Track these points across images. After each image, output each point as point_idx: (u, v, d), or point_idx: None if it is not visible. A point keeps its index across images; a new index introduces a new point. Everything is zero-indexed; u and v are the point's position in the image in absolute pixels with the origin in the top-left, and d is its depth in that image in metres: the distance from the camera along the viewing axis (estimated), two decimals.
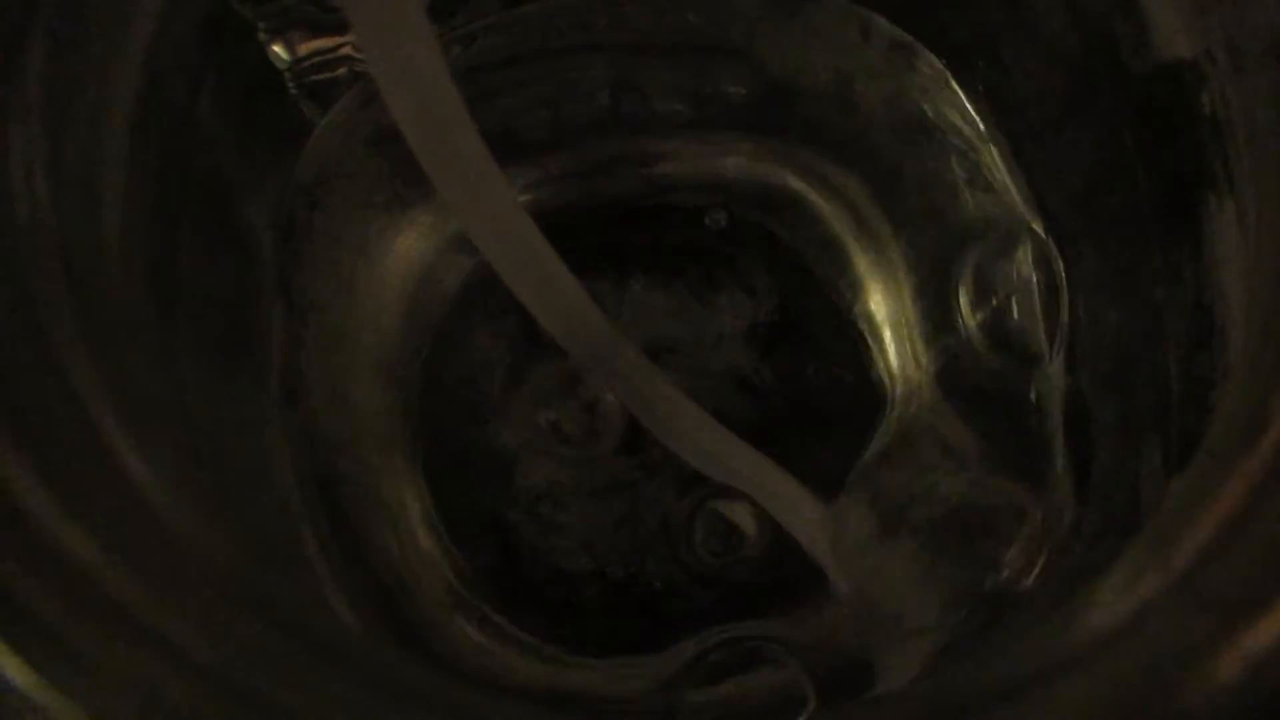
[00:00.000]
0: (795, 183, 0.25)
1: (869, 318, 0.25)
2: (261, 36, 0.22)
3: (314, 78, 0.23)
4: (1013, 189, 0.22)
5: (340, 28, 0.23)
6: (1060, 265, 0.21)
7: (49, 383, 0.10)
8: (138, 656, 0.09)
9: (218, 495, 0.14)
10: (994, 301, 0.22)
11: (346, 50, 0.23)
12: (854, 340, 0.25)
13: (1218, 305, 0.15)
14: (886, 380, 0.25)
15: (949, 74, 0.22)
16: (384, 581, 0.23)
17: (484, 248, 0.17)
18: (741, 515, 0.25)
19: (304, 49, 0.23)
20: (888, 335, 0.25)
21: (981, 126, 0.22)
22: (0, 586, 0.09)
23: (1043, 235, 0.21)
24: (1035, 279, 0.22)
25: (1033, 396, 0.21)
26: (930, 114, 0.23)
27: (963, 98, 0.22)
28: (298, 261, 0.22)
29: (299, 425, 0.22)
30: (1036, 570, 0.18)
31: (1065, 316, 0.21)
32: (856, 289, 0.25)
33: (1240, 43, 0.13)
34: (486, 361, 0.26)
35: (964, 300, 0.23)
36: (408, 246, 0.25)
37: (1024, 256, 0.22)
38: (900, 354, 0.25)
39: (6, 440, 0.09)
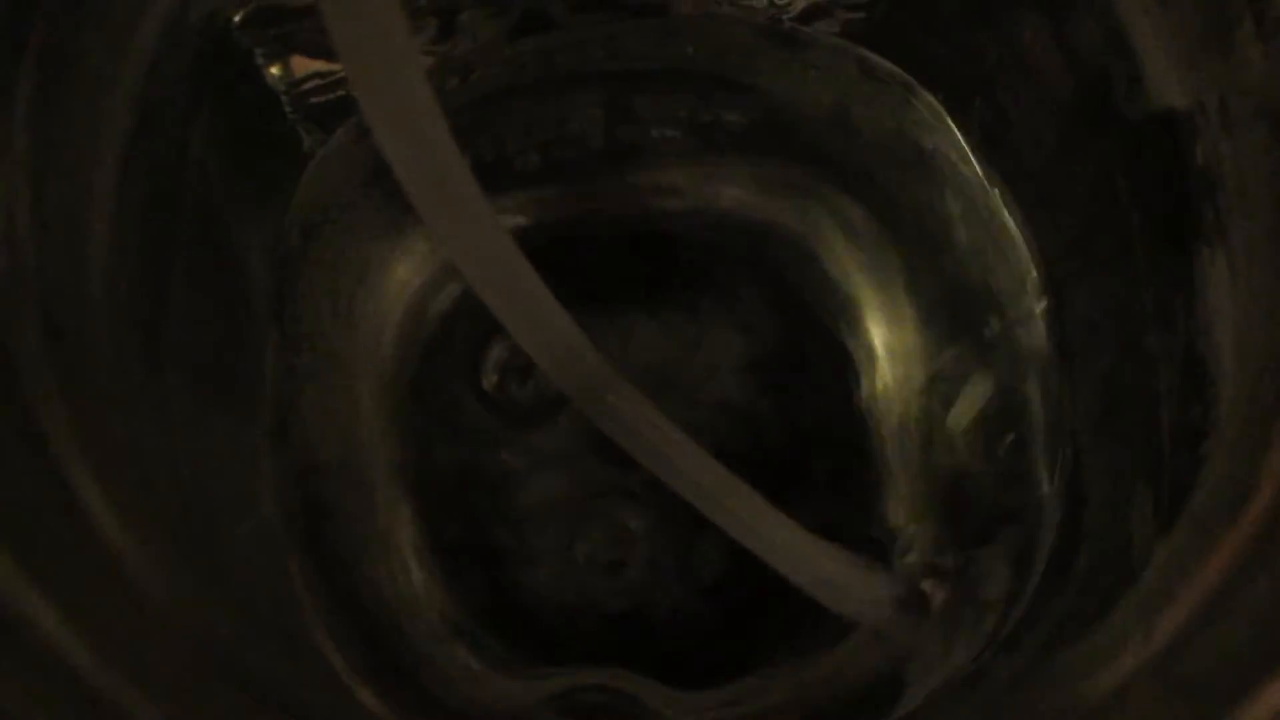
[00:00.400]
0: (794, 213, 0.25)
1: (867, 347, 0.25)
2: (259, 60, 0.22)
3: (312, 100, 0.23)
4: (1009, 227, 0.22)
5: None
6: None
7: (23, 445, 0.10)
8: None
9: (200, 550, 0.14)
10: None
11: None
12: (851, 370, 0.25)
13: (1210, 357, 0.15)
14: (883, 409, 0.25)
15: (945, 112, 0.22)
16: (372, 613, 0.23)
17: (471, 280, 0.17)
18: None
19: (302, 72, 0.23)
20: (886, 364, 0.25)
21: (977, 164, 0.22)
22: None
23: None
24: None
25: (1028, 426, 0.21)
26: (927, 148, 0.23)
27: (959, 135, 0.22)
28: (293, 291, 0.23)
29: (290, 456, 0.22)
30: None
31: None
32: (855, 318, 0.25)
33: (1230, 101, 0.13)
34: (475, 385, 0.26)
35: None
36: (405, 273, 0.26)
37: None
38: (898, 381, 0.25)
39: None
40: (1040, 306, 0.21)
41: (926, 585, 0.22)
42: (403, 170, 0.15)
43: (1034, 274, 0.21)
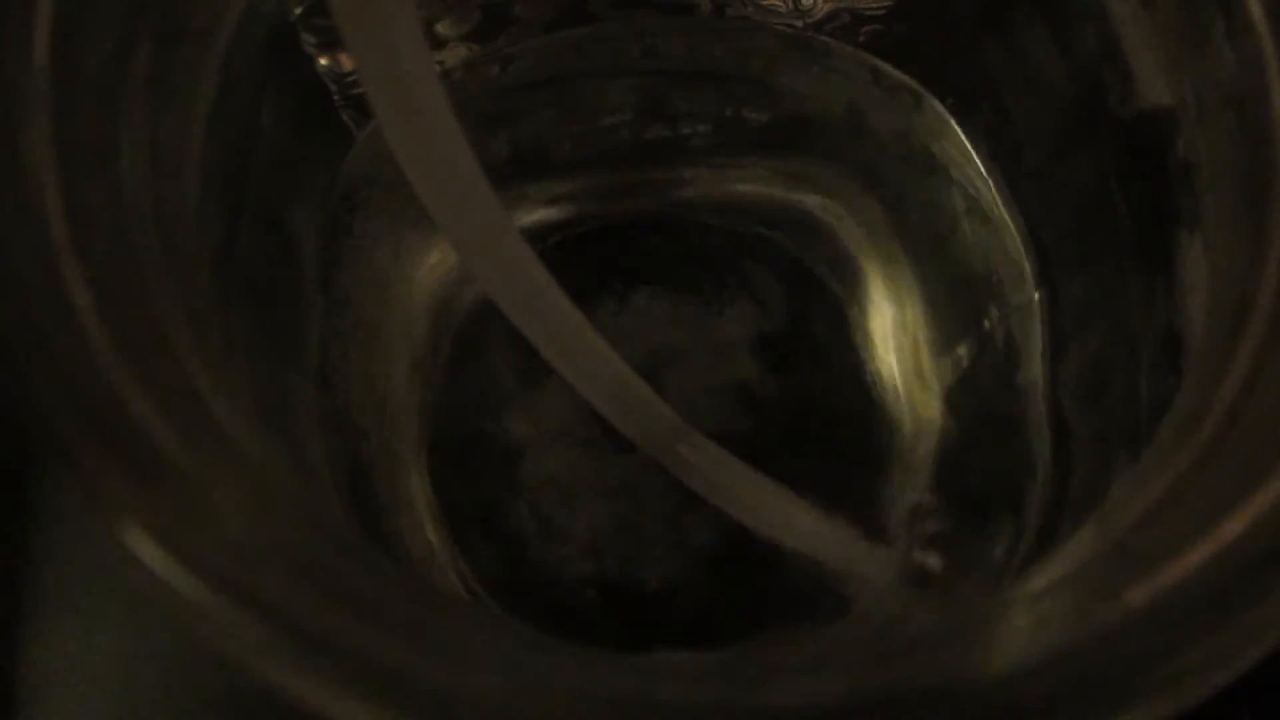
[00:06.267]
0: (810, 202, 0.27)
1: (877, 334, 0.27)
2: (310, 50, 0.24)
3: (358, 90, 0.25)
4: (1009, 222, 0.23)
5: None
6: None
7: (150, 324, 0.12)
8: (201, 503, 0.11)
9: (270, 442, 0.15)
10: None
11: None
12: (861, 356, 0.26)
13: (1185, 329, 0.16)
14: (890, 397, 0.26)
15: (951, 117, 0.24)
16: (404, 566, 0.24)
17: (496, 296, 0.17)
18: None
19: (349, 65, 0.24)
20: (894, 352, 0.26)
21: (980, 165, 0.24)
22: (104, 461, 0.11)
23: None
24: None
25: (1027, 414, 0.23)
26: (935, 151, 0.24)
27: (963, 138, 0.24)
28: (338, 260, 0.24)
29: (332, 412, 0.23)
30: None
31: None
32: (865, 306, 0.27)
33: (1205, 94, 0.15)
34: (504, 365, 0.27)
35: None
36: (437, 256, 0.27)
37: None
38: (905, 371, 0.26)
39: (125, 365, 0.11)
40: (1036, 295, 0.22)
41: (928, 559, 0.23)
42: (426, 195, 0.16)
43: (1030, 265, 0.23)
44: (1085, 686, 0.09)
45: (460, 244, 0.16)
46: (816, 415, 0.27)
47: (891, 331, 0.26)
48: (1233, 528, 0.10)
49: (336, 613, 0.10)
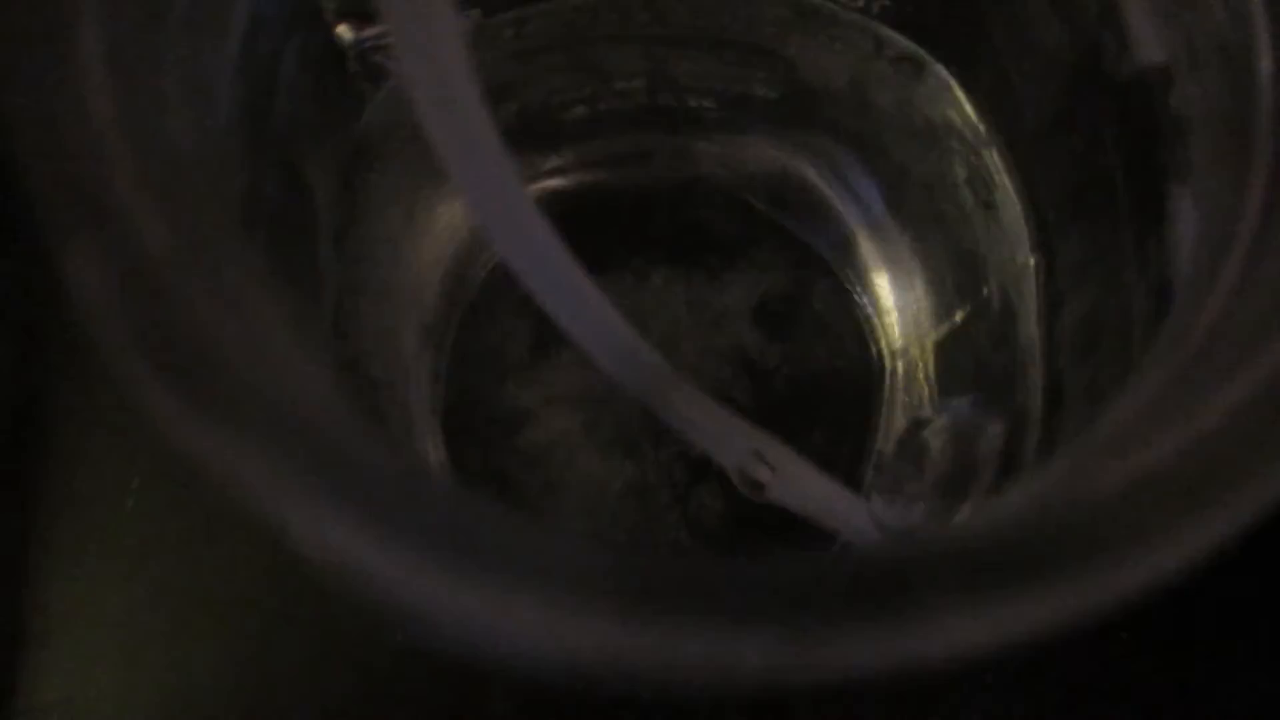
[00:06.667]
0: (812, 176, 0.27)
1: (878, 301, 0.27)
2: (328, 16, 0.24)
3: (374, 59, 0.25)
4: (1009, 188, 0.24)
5: None
6: None
7: (196, 225, 0.12)
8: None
9: None
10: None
11: None
12: (861, 323, 0.27)
13: (1175, 277, 0.17)
14: (889, 364, 0.27)
15: (954, 82, 0.24)
16: None
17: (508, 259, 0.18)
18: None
19: (367, 32, 0.25)
20: (893, 322, 0.27)
21: (981, 130, 0.24)
22: None
23: None
24: None
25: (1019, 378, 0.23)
26: (935, 119, 0.25)
27: (965, 104, 0.24)
28: (353, 213, 0.24)
29: (347, 362, 0.24)
30: None
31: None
32: (866, 275, 0.27)
33: (1196, 44, 0.16)
34: (514, 329, 0.28)
35: None
36: (449, 217, 0.27)
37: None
38: (906, 336, 0.27)
39: (172, 245, 0.12)
40: (1033, 259, 0.23)
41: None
42: (442, 151, 0.16)
43: (1029, 230, 0.23)
44: (1066, 555, 0.10)
45: (470, 196, 0.16)
46: (818, 382, 0.27)
47: (892, 298, 0.27)
48: (1208, 418, 0.11)
49: (363, 475, 0.11)
